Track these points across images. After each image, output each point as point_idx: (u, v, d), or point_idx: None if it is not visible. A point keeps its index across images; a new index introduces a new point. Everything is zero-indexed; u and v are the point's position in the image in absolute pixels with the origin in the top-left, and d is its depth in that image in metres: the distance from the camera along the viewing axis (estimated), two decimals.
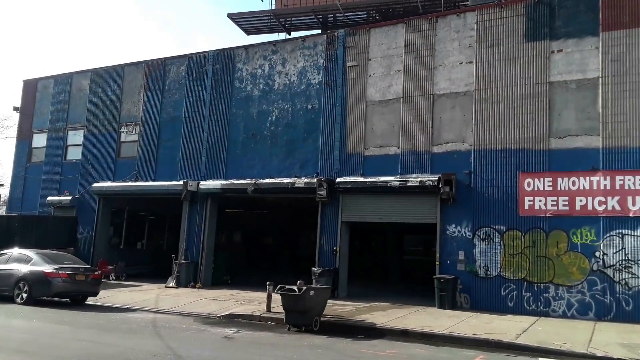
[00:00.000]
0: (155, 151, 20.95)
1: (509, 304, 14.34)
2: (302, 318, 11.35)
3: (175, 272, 18.56)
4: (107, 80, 22.82)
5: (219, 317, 13.18)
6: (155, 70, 21.62)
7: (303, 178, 17.59)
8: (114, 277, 20.26)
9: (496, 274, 14.66)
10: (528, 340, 10.54)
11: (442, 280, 14.64)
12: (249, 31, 25.10)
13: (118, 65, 22.87)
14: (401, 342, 10.58)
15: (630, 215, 13.56)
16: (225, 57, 20.27)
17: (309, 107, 18.26)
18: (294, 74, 18.72)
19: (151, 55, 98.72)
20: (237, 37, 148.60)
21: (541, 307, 13.98)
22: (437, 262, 15.42)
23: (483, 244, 14.94)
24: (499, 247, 14.73)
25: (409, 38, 16.86)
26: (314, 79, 18.32)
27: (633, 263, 13.40)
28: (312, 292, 11.50)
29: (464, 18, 16.25)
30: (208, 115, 20.10)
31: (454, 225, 15.37)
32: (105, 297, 15.68)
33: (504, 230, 14.74)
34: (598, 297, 13.51)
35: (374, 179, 16.45)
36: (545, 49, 14.93)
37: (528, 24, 15.26)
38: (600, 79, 14.29)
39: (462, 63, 15.99)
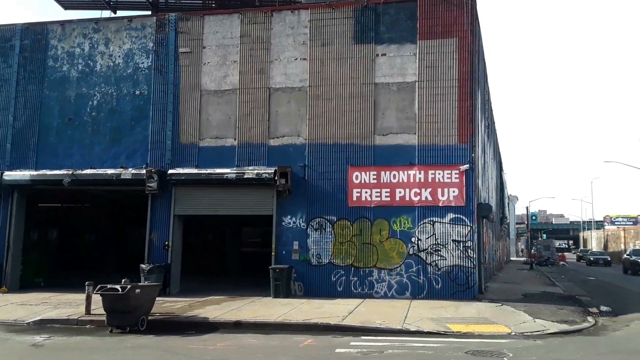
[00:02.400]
0: None
1: (339, 288, 15.15)
2: (127, 318, 10.48)
3: None
4: None
5: (28, 323, 11.54)
6: None
7: (130, 169, 16.36)
8: None
9: (327, 261, 15.38)
10: (353, 321, 11.23)
11: (277, 270, 14.85)
12: (66, 5, 22.47)
13: None
14: (234, 334, 10.41)
15: (440, 205, 15.28)
16: (36, 33, 17.86)
17: (137, 92, 17.02)
18: (119, 56, 17.26)
19: None
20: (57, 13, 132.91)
21: (366, 290, 15.06)
22: (273, 253, 15.63)
23: (316, 233, 15.54)
24: (330, 236, 15.47)
25: (245, 29, 16.71)
26: (143, 63, 17.12)
27: (442, 247, 15.13)
28: (137, 291, 10.69)
29: (298, 15, 16.64)
30: (15, 97, 17.53)
31: (289, 217, 15.71)
32: None
33: (335, 220, 15.52)
34: (413, 278, 15.00)
35: (209, 170, 15.99)
36: (371, 51, 16.03)
37: (356, 26, 16.21)
38: (417, 83, 15.81)
39: (297, 59, 16.37)
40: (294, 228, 15.65)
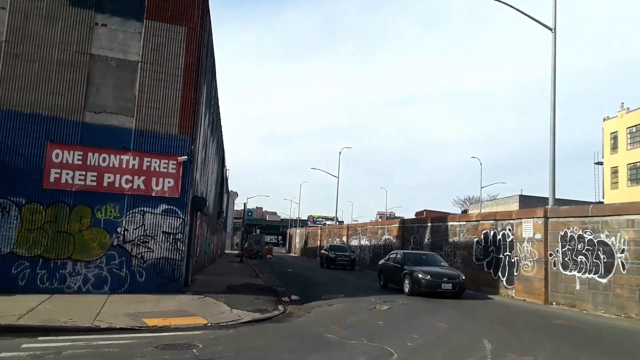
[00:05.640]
0: None
1: (20, 283, 13.02)
2: None
3: None
4: None
5: None
6: None
7: None
8: None
9: (8, 250, 13.03)
10: (32, 320, 9.67)
11: None
12: None
13: None
14: None
15: (153, 194, 14.68)
16: None
17: None
18: None
19: None
20: None
21: (56, 284, 13.33)
22: None
23: None
24: (15, 222, 13.15)
25: None
26: None
27: (150, 238, 14.54)
28: None
29: None
30: None
31: None
32: None
33: (24, 203, 13.30)
34: (115, 270, 13.97)
35: None
36: (90, 18, 14.40)
37: None
38: (140, 64, 14.88)
39: None
40: None
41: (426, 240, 27.30)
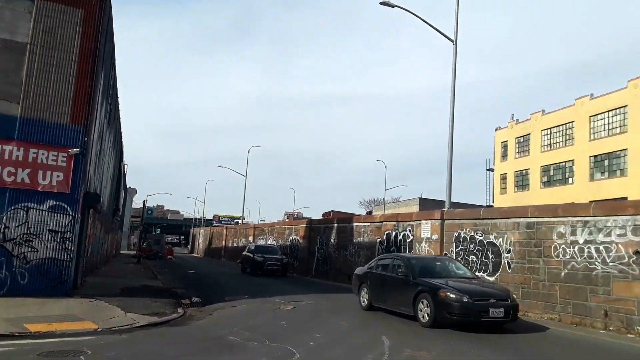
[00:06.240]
0: None
1: None
2: None
3: None
4: None
5: None
6: None
7: None
8: None
9: None
10: None
11: None
12: None
13: None
14: None
15: (39, 189, 13.46)
16: None
17: None
18: None
19: None
20: None
21: None
22: None
23: None
24: None
25: None
26: None
27: (35, 237, 13.32)
28: None
29: None
30: None
31: None
32: None
33: None
34: None
35: None
36: None
37: None
38: (29, 46, 13.62)
39: None
40: None
41: (332, 240, 27.74)
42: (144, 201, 52.14)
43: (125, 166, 47.19)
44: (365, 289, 14.71)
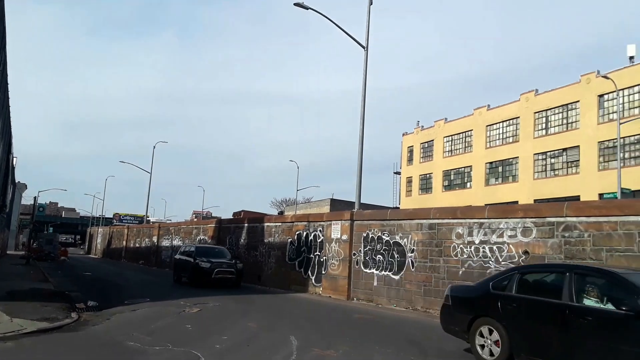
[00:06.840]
0: None
1: None
2: None
3: None
4: None
5: None
6: None
7: None
8: None
9: None
10: None
11: None
12: None
13: None
14: None
15: None
16: None
17: None
18: None
19: None
20: None
21: None
22: None
23: None
24: None
25: None
26: None
27: None
28: None
29: None
30: None
31: None
32: None
33: None
34: None
35: None
36: None
37: None
38: None
39: None
40: None
41: (242, 240, 27.29)
42: (35, 197, 47.85)
43: (15, 159, 43.19)
44: (496, 330, 8.14)
